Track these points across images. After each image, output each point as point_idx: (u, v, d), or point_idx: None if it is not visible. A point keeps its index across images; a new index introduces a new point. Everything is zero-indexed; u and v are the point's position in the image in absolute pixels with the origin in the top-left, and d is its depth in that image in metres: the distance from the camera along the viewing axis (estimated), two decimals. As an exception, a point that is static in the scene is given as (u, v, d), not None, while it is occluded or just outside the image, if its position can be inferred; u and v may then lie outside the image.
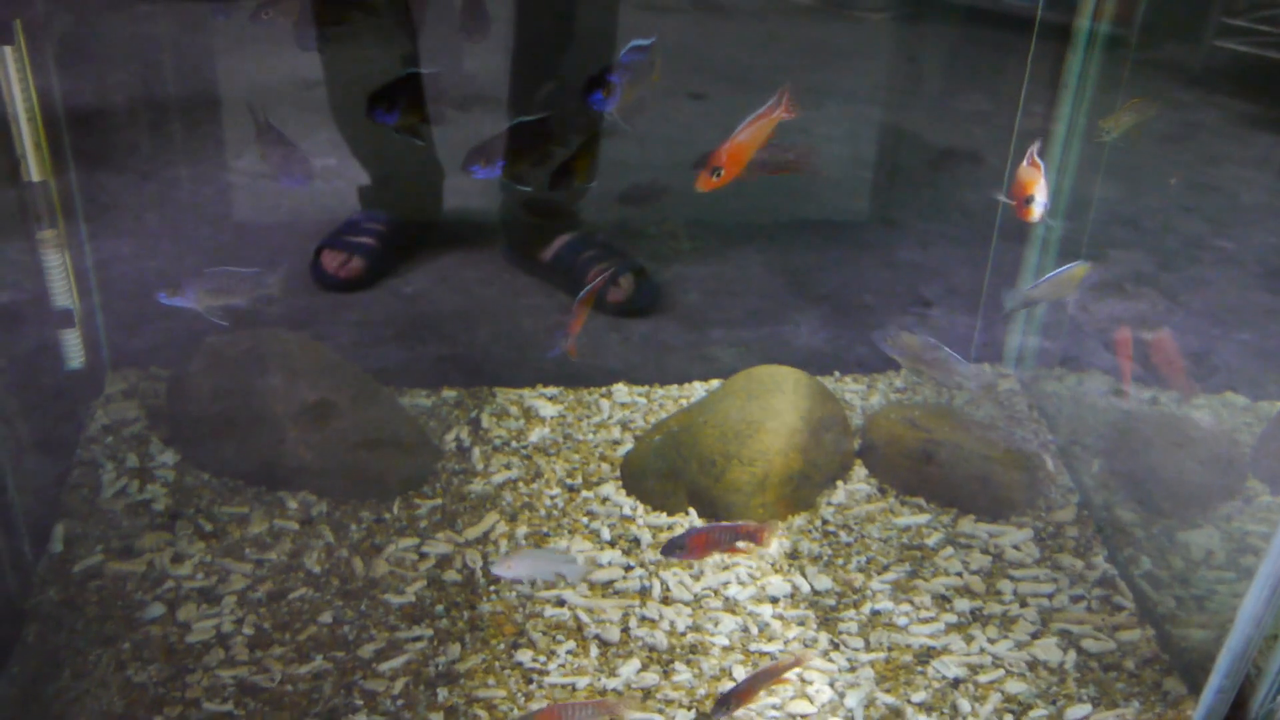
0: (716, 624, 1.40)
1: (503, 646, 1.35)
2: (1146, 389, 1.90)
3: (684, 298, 2.31)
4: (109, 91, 3.05)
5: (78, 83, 3.00)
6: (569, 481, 1.61)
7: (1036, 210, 1.19)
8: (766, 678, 1.29)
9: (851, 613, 1.43)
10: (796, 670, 1.33)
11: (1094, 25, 1.77)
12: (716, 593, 1.44)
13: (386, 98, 1.46)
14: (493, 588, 1.43)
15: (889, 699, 1.32)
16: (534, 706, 1.28)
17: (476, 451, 1.66)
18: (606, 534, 1.52)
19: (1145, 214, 3.00)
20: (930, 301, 2.41)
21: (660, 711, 1.29)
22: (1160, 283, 2.63)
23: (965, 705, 1.31)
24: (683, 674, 1.33)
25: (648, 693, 1.31)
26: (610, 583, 1.45)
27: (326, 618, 1.38)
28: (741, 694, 1.26)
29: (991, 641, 1.39)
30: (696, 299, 2.32)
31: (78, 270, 1.64)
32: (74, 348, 1.62)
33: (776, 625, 1.40)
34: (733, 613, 1.42)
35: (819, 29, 4.16)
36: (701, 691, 1.31)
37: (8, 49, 1.36)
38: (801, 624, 1.41)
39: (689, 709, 1.29)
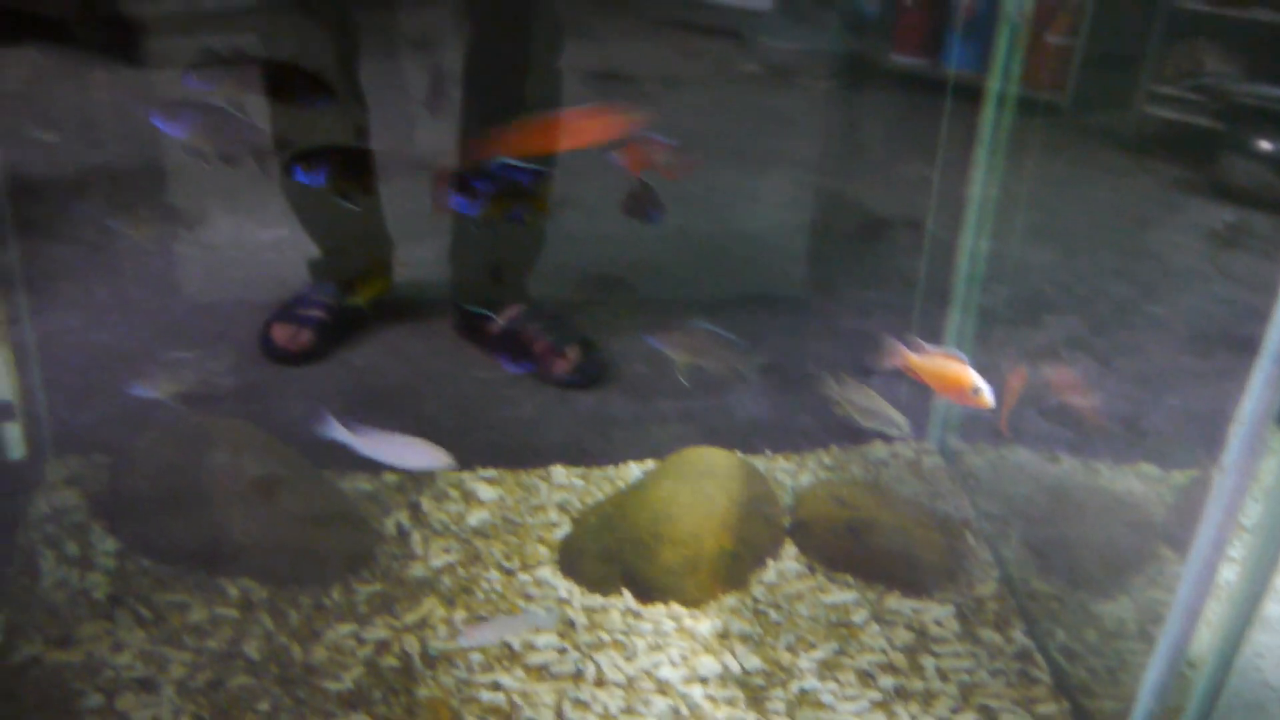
0: (648, 705, 1.44)
1: (438, 732, 1.38)
2: (1064, 459, 1.97)
3: (630, 368, 2.36)
4: (60, 160, 3.07)
5: (29, 151, 3.03)
6: (506, 564, 1.65)
7: (988, 396, 1.21)
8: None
9: (780, 692, 1.47)
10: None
11: (1004, 87, 1.81)
12: (649, 674, 1.48)
13: (309, 157, 1.49)
14: (429, 672, 1.46)
15: (814, 778, 1.36)
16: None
17: (416, 535, 1.69)
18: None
19: (1079, 279, 3.10)
20: (871, 370, 2.48)
21: (591, 795, 1.32)
22: (1092, 347, 2.72)
23: (888, 782, 1.36)
24: (614, 757, 1.37)
25: (579, 776, 1.34)
26: (545, 665, 1.48)
27: (265, 705, 1.40)
28: None
29: (914, 718, 1.44)
30: (642, 370, 2.38)
31: (20, 347, 1.66)
32: (14, 440, 1.64)
33: (707, 706, 1.44)
34: (664, 694, 1.45)
35: (765, 97, 4.28)
36: (632, 774, 1.35)
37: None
38: (731, 704, 1.45)
39: (620, 792, 1.33)
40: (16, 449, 1.67)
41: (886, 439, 1.98)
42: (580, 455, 1.96)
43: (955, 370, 1.23)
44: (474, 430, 2.10)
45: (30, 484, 1.72)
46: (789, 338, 2.60)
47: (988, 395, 1.21)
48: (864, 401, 1.46)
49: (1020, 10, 1.74)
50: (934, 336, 1.99)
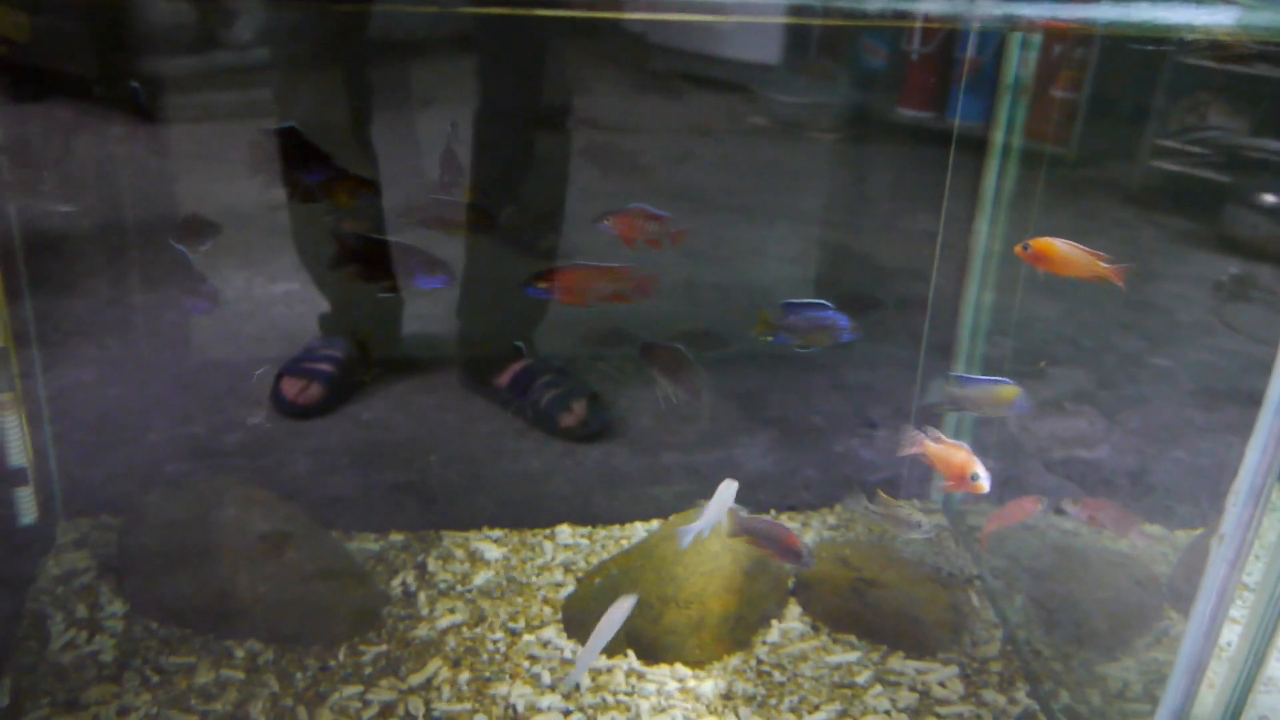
0: (651, 769, 1.44)
1: (442, 796, 1.38)
2: (1069, 521, 1.97)
3: (636, 422, 2.38)
4: (76, 214, 3.12)
5: (44, 204, 3.08)
6: (512, 625, 1.65)
7: (985, 483, 1.31)
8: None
9: (783, 755, 1.47)
10: None
11: (1008, 139, 1.84)
12: (652, 737, 1.48)
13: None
14: (433, 735, 1.47)
15: (818, 844, 1.35)
16: None
17: (422, 596, 1.70)
18: (547, 678, 1.55)
19: (1085, 331, 3.11)
20: (876, 424, 2.49)
21: None
22: (1098, 400, 2.72)
23: None
24: (617, 822, 1.36)
25: (582, 842, 1.34)
26: (549, 728, 1.49)
27: (269, 769, 1.41)
28: None
29: (918, 782, 1.44)
30: (648, 423, 2.39)
31: (34, 408, 1.68)
32: (27, 505, 1.67)
33: (710, 769, 1.44)
34: (667, 757, 1.46)
35: (772, 149, 4.32)
36: (635, 839, 1.35)
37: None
38: (734, 768, 1.45)
39: None
40: (29, 514, 1.69)
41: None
42: (587, 512, 1.98)
43: (961, 458, 1.32)
44: (480, 486, 2.11)
45: (42, 548, 1.74)
46: (794, 390, 2.62)
47: (985, 483, 1.31)
48: (893, 512, 1.53)
49: (1023, 67, 1.78)
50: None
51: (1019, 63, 1.77)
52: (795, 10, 2.08)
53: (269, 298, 2.86)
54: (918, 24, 4.16)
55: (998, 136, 1.82)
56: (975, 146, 1.97)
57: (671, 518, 1.79)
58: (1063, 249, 1.34)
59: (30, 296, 1.75)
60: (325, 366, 2.34)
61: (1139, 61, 4.02)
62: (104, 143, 3.21)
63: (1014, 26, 1.71)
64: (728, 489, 1.46)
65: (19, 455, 1.64)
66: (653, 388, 2.52)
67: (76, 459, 1.98)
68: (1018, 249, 1.36)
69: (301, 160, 1.42)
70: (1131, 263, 1.33)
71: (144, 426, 2.25)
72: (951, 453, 1.33)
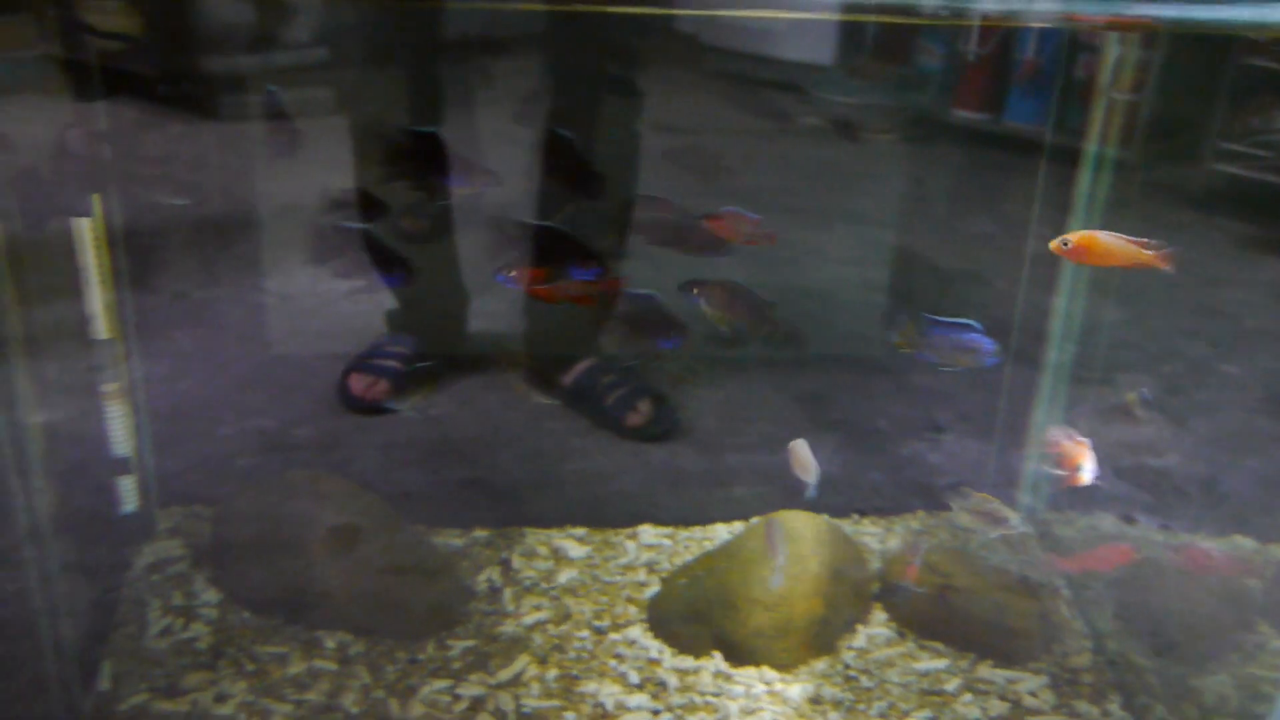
0: (742, 771, 1.43)
1: (534, 792, 1.39)
2: (1154, 530, 1.95)
3: (701, 423, 2.38)
4: (143, 210, 3.15)
5: (113, 201, 3.12)
6: (597, 623, 1.66)
7: (1088, 476, 1.36)
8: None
9: (874, 760, 1.46)
10: None
11: (1102, 144, 1.83)
12: (742, 739, 1.48)
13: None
14: (524, 731, 1.47)
15: None
16: None
17: (507, 592, 1.71)
18: (634, 677, 1.56)
19: (1151, 338, 3.08)
20: (942, 427, 2.47)
21: None
22: (1167, 407, 2.69)
23: None
24: (710, 823, 1.36)
25: (676, 842, 1.34)
26: (638, 727, 1.49)
27: (363, 761, 1.42)
28: None
29: (1011, 792, 1.43)
30: (713, 424, 2.39)
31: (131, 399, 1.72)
32: (130, 493, 1.69)
33: (801, 773, 1.44)
34: (758, 760, 1.45)
35: (827, 150, 4.30)
36: (728, 841, 1.35)
37: (85, 220, 1.47)
38: (825, 772, 1.44)
39: None
40: (131, 502, 1.72)
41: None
42: (655, 511, 1.98)
43: (1077, 450, 1.36)
44: (548, 484, 2.12)
45: (142, 536, 1.76)
46: (857, 393, 2.60)
47: (1088, 476, 1.35)
48: (984, 508, 1.54)
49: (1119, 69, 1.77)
50: (1025, 396, 2.00)
51: (1115, 65, 1.75)
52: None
53: (335, 294, 2.87)
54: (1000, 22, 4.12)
55: (1091, 142, 1.81)
56: (1036, 150, 1.95)
57: (754, 519, 1.78)
58: (1105, 240, 1.33)
59: (130, 289, 1.78)
60: (392, 363, 2.36)
61: (1203, 62, 3.96)
62: (208, 139, 3.24)
63: (1114, 26, 1.69)
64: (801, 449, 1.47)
65: (124, 445, 1.66)
66: (715, 386, 2.52)
67: (170, 449, 2.01)
68: (1054, 245, 1.35)
69: (445, 166, 1.44)
70: (1178, 247, 1.31)
71: (218, 419, 2.28)
72: (1078, 450, 1.35)
